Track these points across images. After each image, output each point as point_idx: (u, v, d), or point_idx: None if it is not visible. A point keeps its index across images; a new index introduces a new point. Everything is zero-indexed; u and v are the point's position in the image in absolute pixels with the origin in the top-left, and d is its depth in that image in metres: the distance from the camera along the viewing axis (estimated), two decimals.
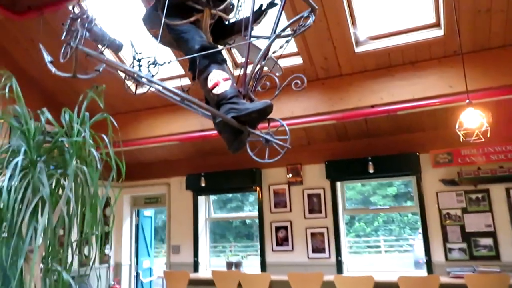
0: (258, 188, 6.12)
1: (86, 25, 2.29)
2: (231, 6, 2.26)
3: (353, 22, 4.40)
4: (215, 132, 5.42)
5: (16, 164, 2.14)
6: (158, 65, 2.52)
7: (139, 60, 2.68)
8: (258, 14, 2.21)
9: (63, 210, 2.21)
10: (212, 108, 1.86)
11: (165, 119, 5.60)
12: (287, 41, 2.00)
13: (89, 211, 2.38)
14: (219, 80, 1.87)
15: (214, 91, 1.87)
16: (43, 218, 2.08)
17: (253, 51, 2.33)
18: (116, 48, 2.61)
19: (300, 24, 1.94)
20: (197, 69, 1.93)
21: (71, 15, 2.37)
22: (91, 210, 2.41)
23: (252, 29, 2.21)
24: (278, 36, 1.96)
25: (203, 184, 6.12)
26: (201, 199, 6.64)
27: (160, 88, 1.98)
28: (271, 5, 2.18)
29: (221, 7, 2.09)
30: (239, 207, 18.81)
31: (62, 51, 2.37)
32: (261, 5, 2.22)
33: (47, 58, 2.46)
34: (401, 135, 5.39)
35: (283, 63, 4.91)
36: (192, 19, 2.04)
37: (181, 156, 6.62)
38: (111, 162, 2.77)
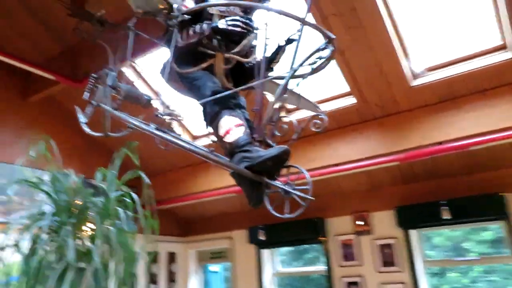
0: (323, 239, 5.69)
1: (109, 83, 2.31)
2: (251, 48, 2.13)
3: (406, 54, 4.08)
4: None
5: (41, 227, 2.10)
6: (178, 119, 2.45)
7: (167, 115, 2.64)
8: (275, 53, 2.05)
9: (90, 278, 2.10)
10: (223, 160, 1.68)
11: (221, 171, 5.52)
12: (303, 78, 1.79)
13: (126, 271, 2.27)
14: (231, 127, 1.70)
15: (226, 139, 1.71)
16: (66, 285, 1.99)
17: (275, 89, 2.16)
18: (145, 103, 2.60)
19: (318, 57, 1.73)
20: (208, 116, 1.79)
21: (93, 74, 2.41)
22: (126, 271, 2.29)
23: (270, 69, 2.06)
24: (294, 76, 1.76)
25: (262, 238, 5.84)
26: (266, 252, 6.33)
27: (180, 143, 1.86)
28: (289, 42, 2.02)
29: (236, 50, 1.97)
30: (316, 259, 17.86)
31: (86, 110, 2.40)
32: (278, 43, 2.06)
33: (82, 119, 2.49)
34: (477, 174, 4.72)
35: (335, 104, 4.68)
36: (204, 65, 1.94)
37: (241, 208, 6.45)
38: (147, 219, 2.69)
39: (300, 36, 1.82)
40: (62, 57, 5.05)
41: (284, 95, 1.72)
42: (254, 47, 2.14)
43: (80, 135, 2.39)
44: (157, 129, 1.81)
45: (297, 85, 1.80)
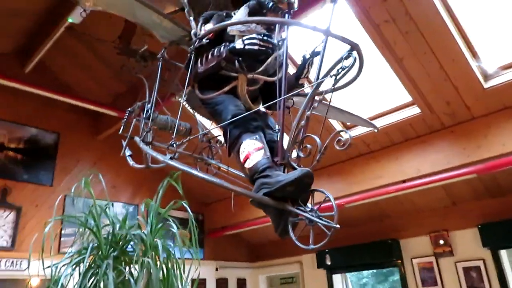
0: (398, 262, 5.22)
1: (144, 117, 2.32)
2: (279, 66, 2.00)
3: (473, 54, 3.65)
4: (338, 202, 4.93)
5: (83, 261, 2.12)
6: (218, 146, 2.37)
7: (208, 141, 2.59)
8: (302, 68, 1.90)
9: None
10: (245, 190, 1.54)
11: None
12: (325, 92, 1.61)
13: None
14: (250, 151, 1.57)
15: (246, 165, 1.58)
16: None
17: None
18: (184, 132, 2.57)
19: (341, 67, 1.55)
20: (228, 142, 1.68)
21: (129, 109, 2.44)
22: None
23: (300, 86, 1.91)
24: (318, 93, 1.59)
25: (329, 262, 5.52)
26: (337, 277, 5.97)
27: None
28: (314, 54, 1.86)
29: (260, 70, 1.85)
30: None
31: (124, 144, 2.42)
32: (304, 57, 1.91)
33: (126, 152, 2.52)
34: None
35: (398, 116, 4.33)
36: (226, 88, 1.84)
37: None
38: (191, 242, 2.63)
39: (324, 47, 1.65)
40: (127, 95, 5.33)
41: (308, 112, 1.56)
42: (281, 64, 2.01)
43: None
44: (173, 158, 1.73)
45: (320, 101, 1.60)
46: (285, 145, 1.62)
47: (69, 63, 5.40)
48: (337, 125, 4.67)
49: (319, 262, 5.84)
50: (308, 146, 1.54)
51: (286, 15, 1.78)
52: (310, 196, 1.47)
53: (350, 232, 5.54)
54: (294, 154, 1.61)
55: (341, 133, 1.43)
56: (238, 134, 1.63)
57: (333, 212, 1.37)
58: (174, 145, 1.75)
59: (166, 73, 2.42)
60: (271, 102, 1.69)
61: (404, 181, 4.33)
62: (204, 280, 6.12)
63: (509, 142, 3.72)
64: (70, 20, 4.19)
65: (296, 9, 1.93)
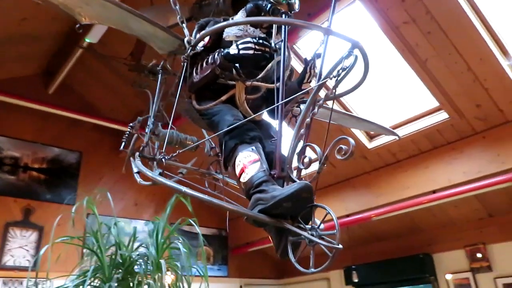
0: (431, 278, 4.87)
1: (147, 131, 2.23)
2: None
3: (504, 52, 3.40)
4: (364, 215, 4.66)
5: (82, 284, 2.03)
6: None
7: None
8: (304, 72, 1.76)
9: None
10: (235, 205, 1.41)
11: None
12: (326, 97, 1.45)
13: None
14: (246, 164, 1.44)
15: (242, 179, 1.44)
16: None
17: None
18: (191, 146, 2.46)
19: (342, 68, 1.40)
20: (224, 155, 1.55)
21: (130, 124, 2.36)
22: None
23: (297, 91, 1.77)
24: (317, 104, 1.44)
25: (355, 279, 5.23)
26: None
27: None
28: (315, 57, 1.72)
29: (259, 76, 1.72)
30: None
31: (126, 160, 2.34)
32: (305, 60, 1.77)
33: (134, 169, 2.44)
34: None
35: (425, 123, 4.09)
36: (224, 97, 1.72)
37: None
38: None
39: (325, 47, 1.51)
40: (147, 113, 5.31)
41: (307, 119, 1.41)
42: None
43: None
44: (162, 174, 1.62)
45: (319, 107, 1.45)
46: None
47: (91, 82, 5.47)
48: (360, 134, 4.46)
49: (347, 279, 5.56)
50: (309, 157, 1.39)
51: (284, 15, 1.65)
52: (312, 213, 1.32)
53: (379, 247, 5.26)
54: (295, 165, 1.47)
55: (343, 140, 1.27)
56: (234, 146, 1.50)
57: (335, 231, 1.21)
58: (164, 158, 1.64)
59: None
60: (266, 109, 1.56)
61: (434, 192, 4.06)
62: None
63: None
64: (87, 40, 4.25)
65: (296, 10, 1.80)
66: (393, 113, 4.34)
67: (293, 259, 1.30)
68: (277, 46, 1.69)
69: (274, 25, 1.76)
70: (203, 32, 1.72)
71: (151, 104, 2.37)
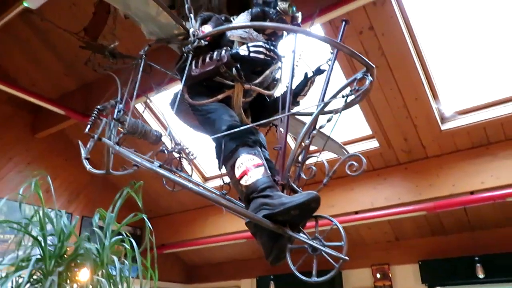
0: None
1: (114, 116, 2.07)
2: (274, 81, 1.89)
3: (435, 96, 3.82)
4: None
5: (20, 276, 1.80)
6: (189, 158, 2.17)
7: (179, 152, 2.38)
8: (303, 85, 1.81)
9: None
10: (238, 206, 1.39)
11: (232, 216, 5.19)
12: (335, 112, 1.52)
13: None
14: (249, 167, 1.42)
15: (243, 182, 1.42)
16: None
17: (298, 127, 1.89)
18: (154, 139, 2.34)
19: (353, 89, 1.47)
20: (222, 155, 1.52)
21: (98, 106, 2.18)
22: None
23: (296, 103, 1.81)
24: (323, 112, 1.50)
25: None
26: None
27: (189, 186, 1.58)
28: (318, 72, 1.77)
29: (257, 81, 1.72)
30: None
31: (88, 144, 2.15)
32: (306, 74, 1.82)
33: (83, 154, 2.23)
34: None
35: (356, 148, 4.38)
36: (220, 96, 1.69)
37: (251, 255, 6.03)
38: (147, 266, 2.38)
39: (332, 63, 1.57)
40: (77, 93, 4.90)
41: (313, 131, 1.45)
42: (277, 79, 1.90)
43: (87, 171, 2.17)
44: (162, 167, 1.54)
45: (328, 121, 1.52)
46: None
47: (15, 50, 4.88)
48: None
49: None
50: (313, 168, 1.42)
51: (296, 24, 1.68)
52: (315, 223, 1.35)
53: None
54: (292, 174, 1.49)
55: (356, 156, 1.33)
56: (235, 147, 1.48)
57: (342, 242, 1.25)
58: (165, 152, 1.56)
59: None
60: (277, 117, 1.57)
61: (357, 212, 4.37)
62: None
63: (459, 183, 3.89)
64: (25, 4, 3.80)
65: (299, 23, 1.85)
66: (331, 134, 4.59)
67: (293, 267, 1.31)
68: (281, 55, 1.71)
69: (283, 32, 1.77)
70: (219, 28, 1.67)
71: (119, 88, 2.22)
